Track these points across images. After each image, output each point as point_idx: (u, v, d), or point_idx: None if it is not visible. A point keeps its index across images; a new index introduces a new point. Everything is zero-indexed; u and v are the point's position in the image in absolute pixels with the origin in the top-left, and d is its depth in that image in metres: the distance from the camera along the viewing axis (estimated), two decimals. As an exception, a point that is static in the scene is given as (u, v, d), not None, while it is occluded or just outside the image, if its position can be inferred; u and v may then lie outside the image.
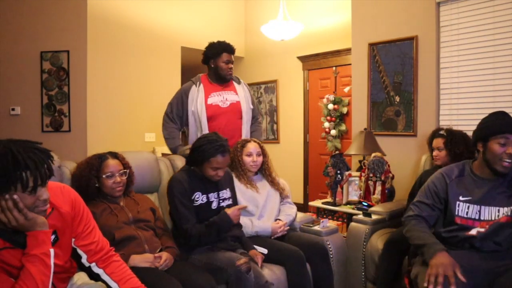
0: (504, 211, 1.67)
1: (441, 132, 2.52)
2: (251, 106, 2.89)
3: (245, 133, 2.82)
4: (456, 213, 1.73)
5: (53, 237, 1.29)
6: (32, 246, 1.19)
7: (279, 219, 2.32)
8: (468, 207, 1.71)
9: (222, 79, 2.79)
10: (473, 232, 1.69)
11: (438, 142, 2.49)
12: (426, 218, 1.78)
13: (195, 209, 2.01)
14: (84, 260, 1.42)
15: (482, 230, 1.67)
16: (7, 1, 3.83)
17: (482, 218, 1.69)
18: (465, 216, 1.71)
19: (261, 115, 3.02)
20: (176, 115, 2.77)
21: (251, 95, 2.95)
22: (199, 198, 2.03)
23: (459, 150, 2.37)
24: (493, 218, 1.67)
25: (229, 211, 2.00)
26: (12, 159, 1.11)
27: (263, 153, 2.45)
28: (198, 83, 2.78)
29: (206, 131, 2.67)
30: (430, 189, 1.81)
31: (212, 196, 2.08)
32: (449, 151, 2.42)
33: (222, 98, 2.77)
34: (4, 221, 1.15)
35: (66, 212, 1.35)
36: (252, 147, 2.41)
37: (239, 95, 2.82)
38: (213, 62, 2.77)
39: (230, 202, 2.15)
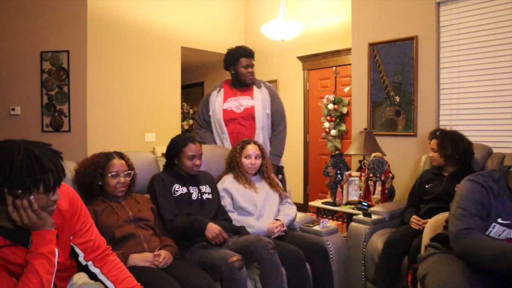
0: None
1: (437, 133, 2.54)
2: (267, 111, 2.83)
3: (260, 140, 2.76)
4: (487, 233, 1.57)
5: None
6: (39, 244, 1.21)
7: (278, 219, 2.32)
8: (504, 230, 1.55)
9: (243, 84, 2.83)
10: None
11: (433, 143, 2.52)
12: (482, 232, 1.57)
13: (176, 200, 2.07)
14: (81, 258, 1.43)
15: None
16: (7, 1, 3.83)
17: (509, 236, 1.55)
18: (495, 237, 1.56)
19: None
20: (203, 120, 2.90)
21: (273, 99, 2.86)
22: (179, 189, 2.11)
23: (448, 152, 2.40)
24: None
25: (212, 225, 1.94)
26: (36, 162, 1.14)
27: (263, 155, 2.45)
28: (219, 88, 2.88)
29: (225, 135, 2.78)
30: (477, 200, 1.56)
31: (192, 188, 2.15)
32: (439, 153, 2.45)
33: (237, 103, 2.81)
34: (15, 219, 1.17)
35: (65, 209, 1.36)
36: (251, 149, 2.41)
37: (254, 100, 2.81)
38: (233, 68, 2.83)
39: (210, 196, 2.19)
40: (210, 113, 2.85)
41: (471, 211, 1.55)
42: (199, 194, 2.16)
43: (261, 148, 2.47)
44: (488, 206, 1.55)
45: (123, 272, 1.46)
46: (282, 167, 2.95)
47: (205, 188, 2.21)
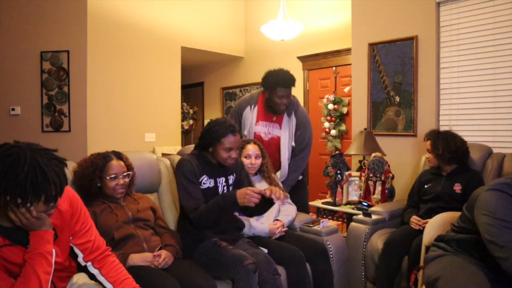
0: None
1: (431, 134, 2.55)
2: (293, 144, 2.72)
3: (285, 172, 2.72)
4: None
5: (52, 235, 1.30)
6: (38, 244, 1.22)
7: (278, 220, 2.32)
8: None
9: (274, 111, 2.72)
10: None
11: (427, 144, 2.54)
12: None
13: (202, 192, 1.97)
14: (80, 259, 1.43)
15: None
16: (7, 1, 3.84)
17: None
18: None
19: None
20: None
21: (297, 128, 2.72)
22: (207, 181, 2.00)
23: (439, 151, 2.42)
24: None
25: (239, 191, 1.85)
26: (41, 174, 1.15)
27: (263, 155, 2.45)
28: (253, 105, 2.76)
29: None
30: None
31: (219, 180, 2.05)
32: (433, 153, 2.46)
33: (266, 130, 2.74)
34: (14, 219, 1.18)
35: (65, 210, 1.36)
36: (251, 148, 2.40)
37: (282, 131, 2.71)
38: (267, 93, 2.69)
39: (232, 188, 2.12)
40: (245, 133, 2.74)
41: None
42: (225, 188, 2.06)
43: (261, 148, 2.46)
44: None
45: (122, 273, 1.45)
46: (303, 181, 2.89)
47: (232, 179, 2.11)
